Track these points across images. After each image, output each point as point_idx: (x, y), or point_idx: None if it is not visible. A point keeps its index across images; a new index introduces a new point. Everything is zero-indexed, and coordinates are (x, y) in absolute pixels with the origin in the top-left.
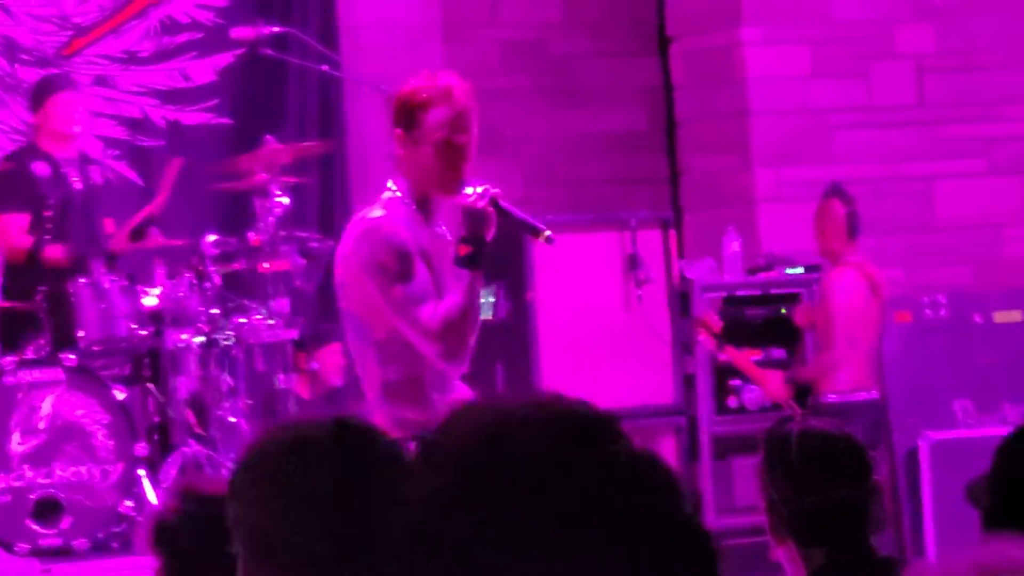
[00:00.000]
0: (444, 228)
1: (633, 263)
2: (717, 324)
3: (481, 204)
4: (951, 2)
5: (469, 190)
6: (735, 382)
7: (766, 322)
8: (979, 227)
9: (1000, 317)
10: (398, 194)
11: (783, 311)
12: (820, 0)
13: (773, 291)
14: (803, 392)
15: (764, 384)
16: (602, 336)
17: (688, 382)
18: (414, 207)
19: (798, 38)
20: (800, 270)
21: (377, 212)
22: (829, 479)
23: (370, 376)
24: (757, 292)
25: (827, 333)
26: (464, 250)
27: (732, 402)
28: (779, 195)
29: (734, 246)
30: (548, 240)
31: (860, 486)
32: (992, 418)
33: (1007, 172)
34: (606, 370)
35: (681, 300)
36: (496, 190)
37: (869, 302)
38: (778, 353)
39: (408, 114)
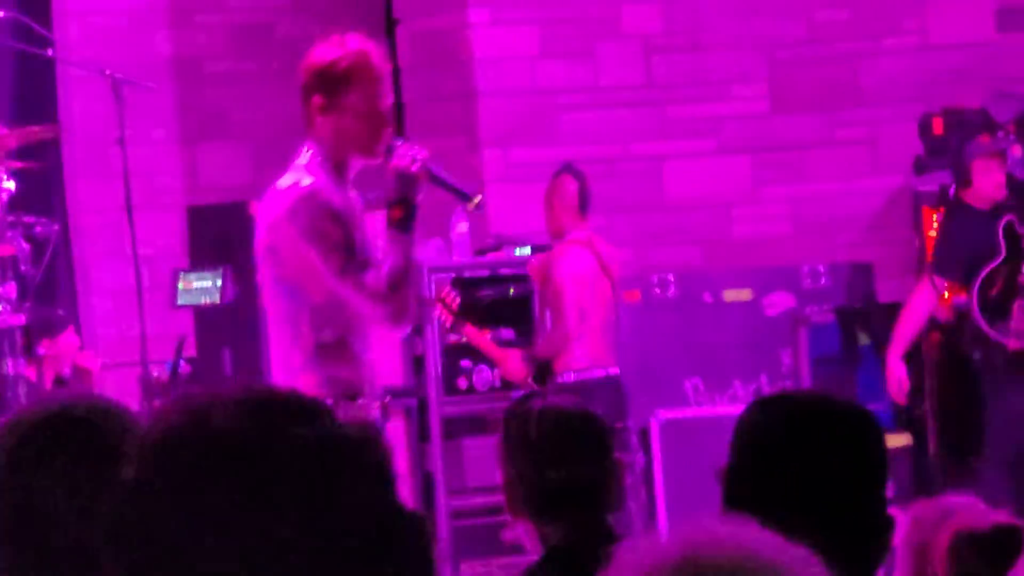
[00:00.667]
0: (354, 192)
1: None
2: (455, 302)
3: (414, 168)
4: None
5: (393, 153)
6: (465, 363)
7: (495, 302)
8: (708, 207)
9: (730, 296)
10: (311, 160)
11: (511, 291)
12: None
13: (502, 271)
14: (542, 371)
15: (503, 363)
16: None
17: (418, 363)
18: (332, 173)
19: (525, 19)
20: (528, 250)
21: (307, 179)
22: (568, 456)
23: (302, 339)
24: (486, 273)
25: (557, 309)
26: (397, 213)
27: (462, 383)
28: (507, 176)
29: (461, 227)
30: (477, 206)
31: (599, 464)
32: (723, 396)
33: (735, 151)
34: None
35: None
36: (425, 153)
37: (599, 278)
38: (507, 333)
39: (329, 83)
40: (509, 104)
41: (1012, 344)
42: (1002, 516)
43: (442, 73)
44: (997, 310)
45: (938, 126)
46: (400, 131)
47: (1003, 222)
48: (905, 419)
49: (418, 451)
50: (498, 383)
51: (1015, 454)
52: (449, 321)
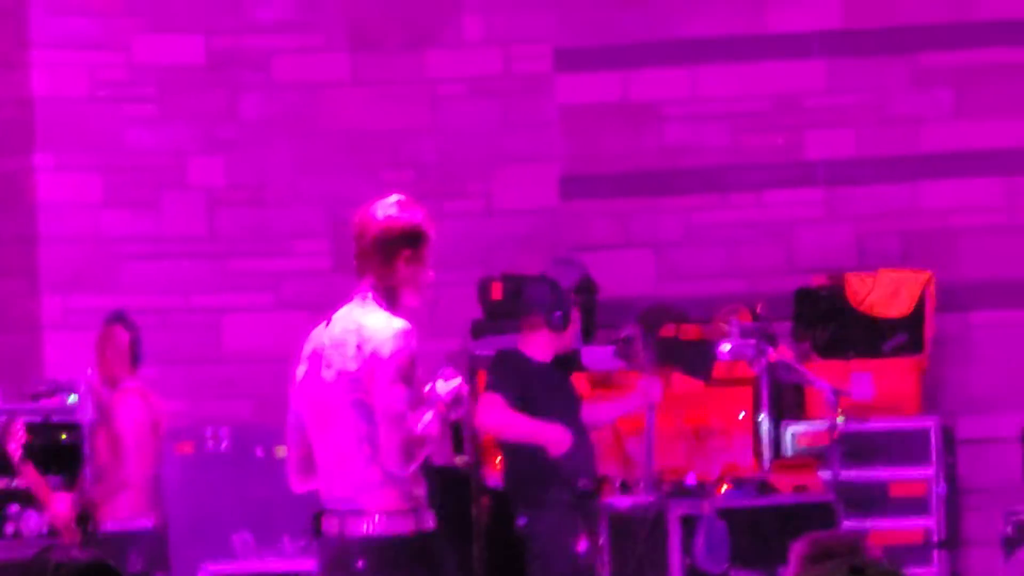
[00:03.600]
0: None
1: None
2: (21, 440)
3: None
4: (241, 135)
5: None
6: (13, 508)
7: (45, 449)
8: (265, 360)
9: (281, 451)
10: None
11: (63, 437)
12: (113, 127)
13: (55, 419)
14: (85, 517)
15: (51, 506)
16: None
17: None
18: None
19: (90, 165)
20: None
21: (400, 320)
22: None
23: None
24: (39, 419)
25: (117, 456)
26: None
27: (9, 528)
28: (66, 322)
29: None
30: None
31: None
32: (271, 551)
33: (294, 307)
34: None
35: None
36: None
37: (148, 429)
38: (55, 480)
39: (418, 239)
40: (71, 250)
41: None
42: None
43: (4, 216)
44: None
45: (496, 291)
46: None
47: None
48: None
49: None
50: (46, 529)
51: None
52: (17, 457)
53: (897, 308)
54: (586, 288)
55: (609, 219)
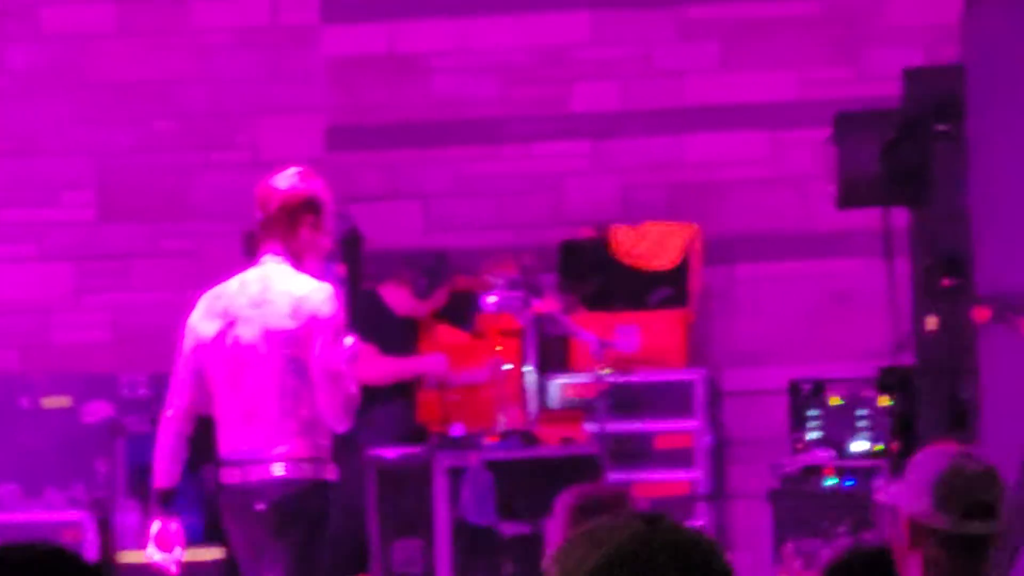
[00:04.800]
0: None
1: None
2: None
3: None
4: (9, 86)
5: None
6: None
7: None
8: (27, 311)
9: (48, 402)
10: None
11: None
12: None
13: None
14: None
15: None
16: None
17: None
18: None
19: None
20: None
21: (327, 283)
22: None
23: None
24: None
25: None
26: None
27: None
28: None
29: None
30: None
31: None
32: (37, 503)
33: (58, 258)
34: None
35: None
36: None
37: None
38: None
39: (319, 206)
40: None
41: None
42: None
43: None
44: None
45: None
46: None
47: None
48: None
49: None
50: None
51: None
52: None
53: (662, 261)
54: (353, 239)
55: (376, 170)
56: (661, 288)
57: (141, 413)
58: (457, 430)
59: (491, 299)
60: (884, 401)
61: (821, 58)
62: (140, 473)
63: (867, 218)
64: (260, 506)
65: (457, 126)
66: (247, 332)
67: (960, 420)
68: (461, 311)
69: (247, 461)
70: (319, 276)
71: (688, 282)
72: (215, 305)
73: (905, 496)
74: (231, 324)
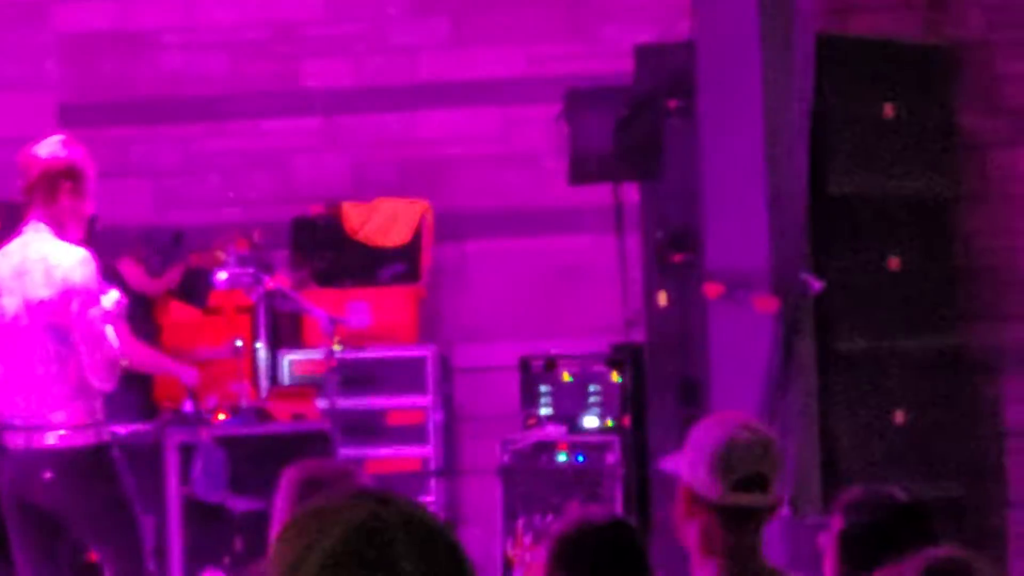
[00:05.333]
0: None
1: None
2: None
3: None
4: None
5: None
6: None
7: None
8: None
9: None
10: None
11: None
12: None
13: None
14: None
15: None
16: None
17: None
18: None
19: None
20: None
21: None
22: None
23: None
24: None
25: None
26: None
27: None
28: None
29: None
30: None
31: None
32: None
33: None
34: None
35: None
36: None
37: None
38: None
39: (79, 173)
40: None
41: None
42: None
43: None
44: None
45: None
46: None
47: None
48: None
49: None
50: None
51: None
52: None
53: (394, 237)
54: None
55: (107, 147)
56: (392, 264)
57: None
58: (188, 406)
59: (222, 276)
60: (615, 377)
61: (552, 34)
62: None
63: (598, 194)
64: (48, 474)
65: (187, 102)
66: (11, 303)
67: (690, 396)
68: (194, 288)
69: (31, 427)
70: (80, 242)
71: (419, 258)
72: None
73: (683, 466)
74: None
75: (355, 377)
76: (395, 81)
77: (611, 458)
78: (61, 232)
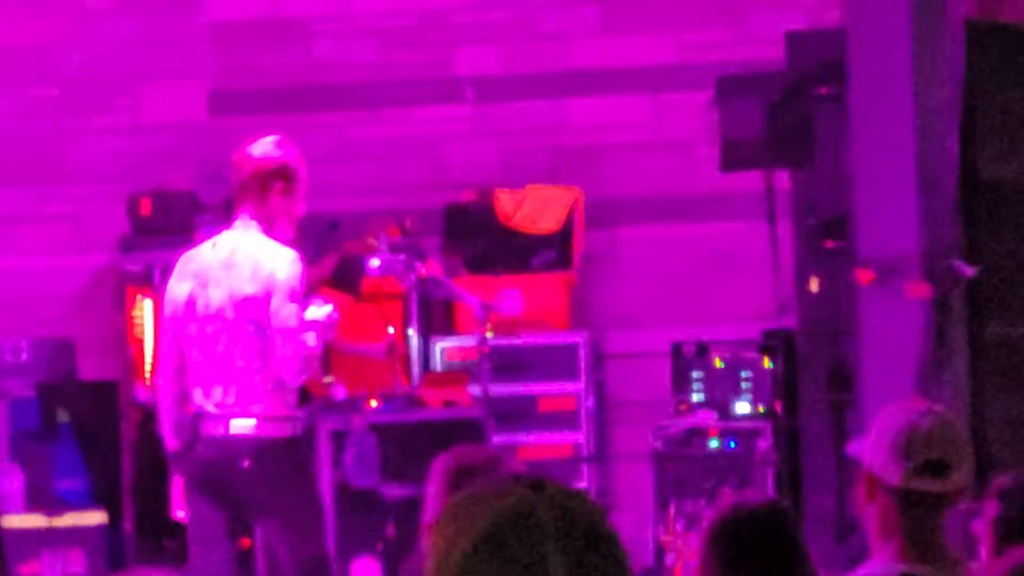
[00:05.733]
0: None
1: None
2: None
3: None
4: None
5: None
6: None
7: None
8: None
9: None
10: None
11: None
12: None
13: None
14: None
15: None
16: None
17: None
18: None
19: None
20: None
21: (290, 249)
22: None
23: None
24: None
25: None
26: None
27: None
28: None
29: None
30: None
31: None
32: None
33: None
34: None
35: None
36: None
37: None
38: None
39: (292, 174)
40: None
41: None
42: None
43: None
44: None
45: (146, 206)
46: None
47: None
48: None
49: None
50: None
51: None
52: None
53: (546, 224)
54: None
55: (257, 135)
56: (544, 251)
57: (23, 378)
58: (340, 393)
59: (375, 263)
60: (767, 363)
61: (702, 21)
62: (22, 439)
63: (750, 181)
64: (246, 462)
65: (338, 90)
66: (216, 294)
67: (841, 382)
68: (347, 275)
69: (231, 416)
70: (289, 242)
71: (571, 245)
72: (186, 268)
73: (866, 449)
74: (202, 286)
75: (507, 364)
76: (545, 68)
77: (763, 444)
78: (270, 231)
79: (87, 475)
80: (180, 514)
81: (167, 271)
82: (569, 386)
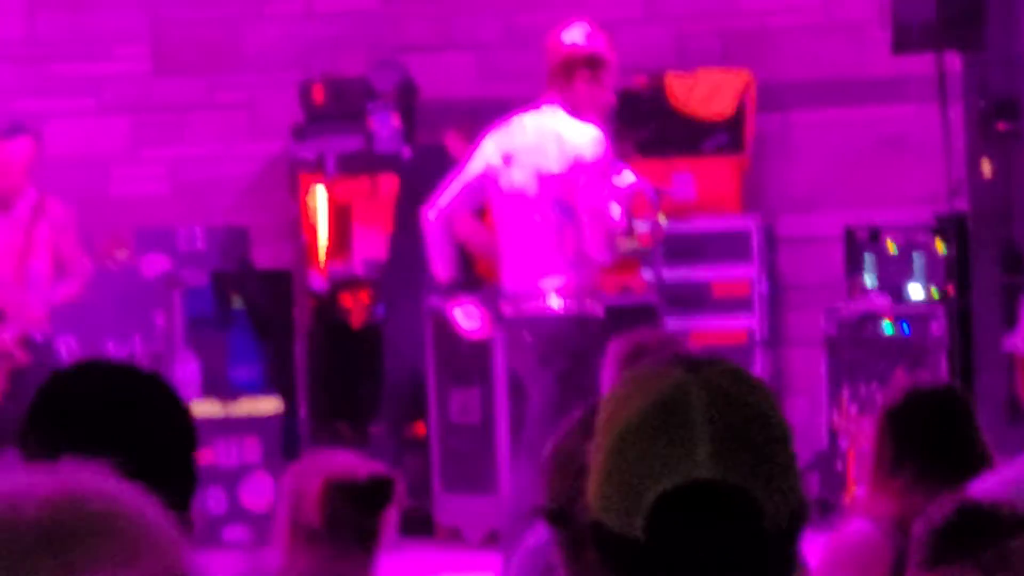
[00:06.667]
0: None
1: None
2: None
3: None
4: None
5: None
6: None
7: None
8: (85, 165)
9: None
10: None
11: None
12: None
13: None
14: None
15: None
16: None
17: None
18: None
19: None
20: None
21: (595, 127)
22: None
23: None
24: None
25: None
26: None
27: None
28: None
29: None
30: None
31: None
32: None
33: (115, 111)
34: None
35: None
36: None
37: None
38: None
39: (600, 62)
40: None
41: None
42: (378, 468)
43: None
44: None
45: (318, 94)
46: None
47: None
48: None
49: None
50: None
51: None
52: None
53: (717, 108)
54: (407, 90)
55: (429, 21)
56: (716, 135)
57: (198, 266)
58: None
59: None
60: (940, 247)
61: None
62: (197, 326)
63: (921, 63)
64: (528, 337)
65: None
66: (520, 174)
67: (1014, 264)
68: None
69: (521, 295)
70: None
71: (742, 129)
72: (502, 141)
73: (1020, 338)
74: (508, 163)
75: (680, 249)
76: None
77: (936, 328)
78: (576, 116)
79: (261, 363)
80: (467, 325)
81: (340, 159)
82: (742, 271)
